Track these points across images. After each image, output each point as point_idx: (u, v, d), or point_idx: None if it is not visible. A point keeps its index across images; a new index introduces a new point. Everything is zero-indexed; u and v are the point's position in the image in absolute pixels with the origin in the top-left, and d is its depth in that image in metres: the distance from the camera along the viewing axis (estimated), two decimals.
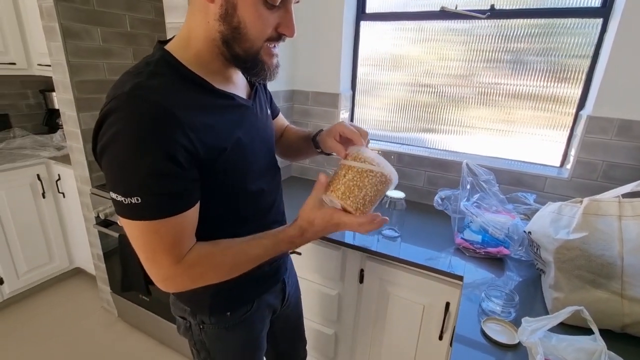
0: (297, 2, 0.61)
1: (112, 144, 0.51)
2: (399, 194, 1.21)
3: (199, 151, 0.56)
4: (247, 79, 0.73)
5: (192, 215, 0.59)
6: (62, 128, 1.92)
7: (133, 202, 0.52)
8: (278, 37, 0.60)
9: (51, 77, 1.66)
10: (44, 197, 2.02)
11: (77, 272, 2.33)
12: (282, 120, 0.97)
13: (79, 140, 1.66)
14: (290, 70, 1.68)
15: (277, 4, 0.56)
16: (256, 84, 0.74)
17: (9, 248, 1.92)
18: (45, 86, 2.39)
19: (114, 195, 0.54)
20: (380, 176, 0.60)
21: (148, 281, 1.57)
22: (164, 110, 0.52)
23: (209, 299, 0.75)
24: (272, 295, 0.87)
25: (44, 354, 1.72)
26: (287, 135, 0.96)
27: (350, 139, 0.69)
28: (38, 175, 1.98)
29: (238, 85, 0.70)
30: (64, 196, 2.06)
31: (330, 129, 0.75)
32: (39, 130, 2.43)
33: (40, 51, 2.00)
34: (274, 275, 0.85)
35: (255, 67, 0.61)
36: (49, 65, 1.63)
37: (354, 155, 0.62)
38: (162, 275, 0.59)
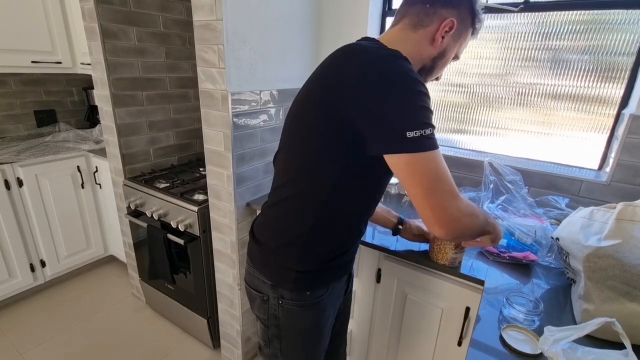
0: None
1: (405, 86, 0.62)
2: None
3: None
4: None
5: None
6: (101, 123, 2.04)
7: (427, 133, 0.62)
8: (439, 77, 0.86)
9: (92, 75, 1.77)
10: (82, 187, 2.16)
11: (111, 260, 2.47)
12: None
13: (114, 134, 1.76)
14: (313, 66, 1.68)
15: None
16: None
17: (52, 234, 2.07)
18: (88, 84, 2.55)
19: (411, 134, 0.61)
20: None
21: (173, 270, 1.64)
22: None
23: (294, 274, 0.78)
24: (340, 284, 0.89)
25: (79, 333, 1.84)
26: None
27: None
28: (78, 167, 2.12)
29: None
30: (100, 187, 2.20)
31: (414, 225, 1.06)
32: (81, 125, 2.60)
33: (83, 51, 2.14)
34: (347, 265, 0.87)
35: None
36: (90, 64, 1.74)
37: None
38: (456, 209, 0.67)
